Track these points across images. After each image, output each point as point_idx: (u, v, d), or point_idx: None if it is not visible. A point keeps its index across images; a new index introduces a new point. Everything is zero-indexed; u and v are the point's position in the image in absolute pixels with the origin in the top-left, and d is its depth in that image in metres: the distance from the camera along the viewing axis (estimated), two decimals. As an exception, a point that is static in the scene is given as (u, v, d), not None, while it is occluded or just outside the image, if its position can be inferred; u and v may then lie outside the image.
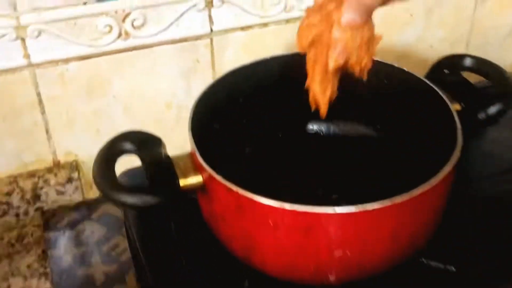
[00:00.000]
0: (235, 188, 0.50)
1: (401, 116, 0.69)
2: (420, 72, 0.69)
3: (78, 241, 0.79)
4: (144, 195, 0.52)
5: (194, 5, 0.75)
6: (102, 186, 0.52)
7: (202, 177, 0.55)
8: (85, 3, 0.70)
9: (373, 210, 0.48)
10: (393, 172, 0.65)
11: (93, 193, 0.87)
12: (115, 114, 0.80)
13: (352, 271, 0.54)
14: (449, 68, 0.68)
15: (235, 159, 0.68)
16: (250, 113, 0.70)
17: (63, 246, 0.79)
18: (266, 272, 0.56)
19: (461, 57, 0.71)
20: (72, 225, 0.82)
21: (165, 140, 0.82)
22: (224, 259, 0.59)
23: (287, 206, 0.49)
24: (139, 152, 0.56)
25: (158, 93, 0.80)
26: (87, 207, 0.84)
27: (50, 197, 0.82)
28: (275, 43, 0.84)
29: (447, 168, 0.50)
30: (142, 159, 0.55)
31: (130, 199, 0.51)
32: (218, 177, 0.52)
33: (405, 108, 0.68)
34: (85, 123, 0.79)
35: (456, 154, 0.51)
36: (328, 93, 0.55)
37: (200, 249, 0.61)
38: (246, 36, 0.82)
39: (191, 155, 0.57)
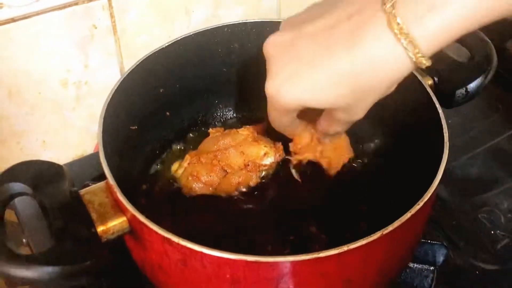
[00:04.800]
0: (176, 239, 0.36)
1: None
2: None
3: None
4: (49, 265, 0.35)
5: (84, -41, 0.63)
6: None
7: (127, 218, 0.40)
8: None
9: (362, 245, 0.37)
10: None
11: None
12: None
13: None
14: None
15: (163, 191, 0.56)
16: (173, 104, 0.58)
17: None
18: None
19: None
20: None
21: (66, 123, 0.72)
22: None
23: (251, 258, 0.36)
24: (35, 194, 0.39)
25: (48, 71, 0.68)
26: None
27: None
28: (185, -3, 0.71)
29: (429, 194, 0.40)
30: (40, 205, 0.39)
31: (28, 272, 0.34)
32: (151, 224, 0.37)
33: None
34: (-40, 118, 0.65)
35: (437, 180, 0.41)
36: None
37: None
38: (152, -9, 0.69)
39: (107, 187, 0.41)
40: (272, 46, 0.44)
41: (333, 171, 0.55)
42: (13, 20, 0.62)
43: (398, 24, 0.38)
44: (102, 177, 0.44)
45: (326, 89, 0.41)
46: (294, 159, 0.55)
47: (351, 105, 0.42)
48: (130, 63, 0.70)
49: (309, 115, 0.49)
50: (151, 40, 0.71)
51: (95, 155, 0.64)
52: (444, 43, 0.39)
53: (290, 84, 0.42)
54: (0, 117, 0.66)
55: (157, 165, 0.57)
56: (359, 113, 0.44)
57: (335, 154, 0.55)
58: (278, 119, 0.47)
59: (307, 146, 0.54)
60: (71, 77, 0.69)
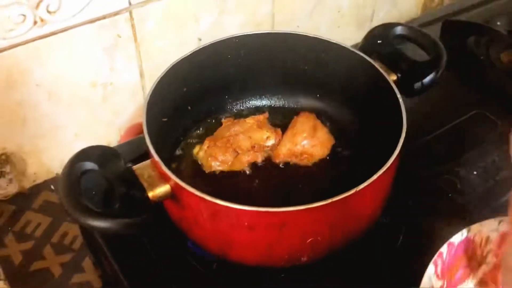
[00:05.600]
0: (209, 198, 0.51)
1: (342, 89, 0.72)
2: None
3: (24, 235, 0.76)
4: (119, 218, 0.50)
5: (110, -19, 0.73)
6: (73, 213, 0.50)
7: (170, 185, 0.54)
8: (-5, -5, 0.63)
9: (341, 199, 0.51)
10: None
11: (28, 181, 0.82)
12: (40, 102, 0.76)
13: (323, 251, 0.58)
14: (381, 38, 0.69)
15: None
16: (194, 100, 0.70)
17: (9, 243, 0.75)
18: (243, 263, 0.58)
19: (392, 26, 0.73)
20: (14, 219, 0.78)
21: (93, 117, 0.83)
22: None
23: (262, 209, 0.50)
24: (101, 170, 0.53)
25: (81, 74, 0.77)
26: (25, 198, 0.80)
27: (-16, 195, 0.79)
28: (196, 7, 0.82)
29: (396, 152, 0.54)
30: (106, 177, 0.53)
31: (104, 223, 0.49)
32: (190, 189, 0.51)
33: (344, 81, 0.70)
34: (9, 115, 0.75)
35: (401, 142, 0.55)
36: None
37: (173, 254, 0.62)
38: (166, 5, 0.79)
39: (152, 164, 0.55)
40: None
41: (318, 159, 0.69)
42: (53, 33, 0.70)
43: None
44: (135, 160, 0.57)
45: None
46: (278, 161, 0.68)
47: None
48: (148, 66, 0.82)
49: None
50: (166, 44, 0.82)
51: (124, 144, 0.77)
52: None
53: None
54: (42, 115, 0.77)
55: (181, 149, 0.71)
56: None
57: (316, 149, 0.69)
58: None
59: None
60: (99, 79, 0.79)
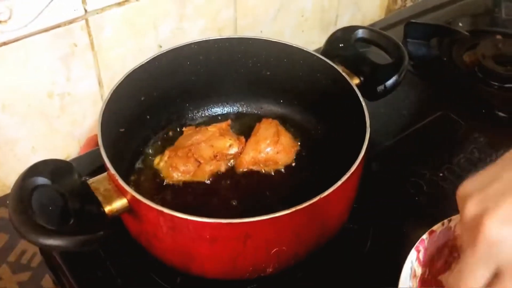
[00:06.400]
0: (167, 211, 0.49)
1: (305, 94, 0.71)
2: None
3: (-21, 254, 0.73)
4: (73, 236, 0.48)
5: (64, -11, 0.71)
6: (23, 231, 0.47)
7: (127, 199, 0.52)
8: None
9: (305, 207, 0.50)
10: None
11: (-15, 198, 0.79)
12: None
13: (288, 261, 0.56)
14: (343, 41, 0.69)
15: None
16: (152, 109, 0.69)
17: (-37, 262, 0.72)
18: (206, 277, 0.56)
19: (353, 29, 0.73)
20: (-31, 238, 0.75)
21: (51, 129, 0.81)
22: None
23: (224, 221, 0.48)
24: (54, 185, 0.51)
25: (37, 85, 0.75)
26: (-19, 215, 0.76)
27: None
28: (155, 14, 0.80)
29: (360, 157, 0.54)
30: (59, 193, 0.51)
31: (57, 241, 0.47)
32: (147, 202, 0.49)
33: (307, 85, 0.69)
34: (-40, 130, 0.72)
35: (365, 146, 0.54)
36: None
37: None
38: (124, 11, 0.77)
39: (109, 177, 0.53)
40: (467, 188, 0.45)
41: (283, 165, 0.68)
42: (4, 43, 0.68)
43: None
44: (93, 173, 0.55)
45: None
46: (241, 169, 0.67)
47: None
48: (107, 75, 0.80)
49: None
50: (125, 53, 0.80)
51: (83, 156, 0.75)
52: None
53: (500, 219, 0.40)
54: None
55: (141, 160, 0.69)
56: None
57: (280, 155, 0.68)
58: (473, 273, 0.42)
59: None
60: (56, 89, 0.77)
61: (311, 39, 1.03)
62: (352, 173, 0.52)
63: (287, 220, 0.50)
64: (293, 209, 0.49)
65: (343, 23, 1.08)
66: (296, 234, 0.53)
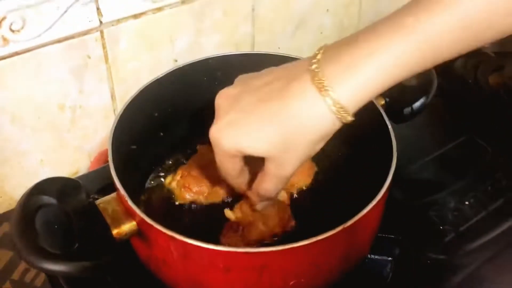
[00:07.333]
0: (179, 236, 0.46)
1: None
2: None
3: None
4: (77, 261, 0.44)
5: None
6: (25, 255, 0.44)
7: (136, 222, 0.49)
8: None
9: (327, 237, 0.46)
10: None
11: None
12: (2, 126, 0.72)
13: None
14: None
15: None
16: (166, 126, 0.66)
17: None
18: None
19: None
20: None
21: (61, 143, 0.78)
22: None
23: (240, 250, 0.45)
24: (60, 205, 0.48)
25: (48, 97, 0.73)
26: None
27: None
28: (172, 27, 0.78)
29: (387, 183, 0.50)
30: (65, 212, 0.48)
31: (61, 267, 0.44)
32: (158, 226, 0.46)
33: None
34: (-33, 143, 0.71)
35: (391, 174, 0.51)
36: None
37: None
38: (140, 24, 0.75)
39: (118, 197, 0.50)
40: (222, 98, 0.49)
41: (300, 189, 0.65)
42: (17, 53, 0.66)
43: (320, 81, 0.41)
44: (102, 191, 0.52)
45: (261, 136, 0.44)
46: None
47: (282, 157, 0.45)
48: (120, 88, 0.78)
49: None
50: (139, 66, 0.78)
51: (93, 172, 0.72)
52: (366, 99, 0.43)
53: (229, 130, 0.46)
54: (4, 139, 0.72)
55: (152, 179, 0.66)
56: (288, 168, 0.46)
57: (297, 177, 0.64)
58: (222, 166, 0.49)
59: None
60: (68, 102, 0.75)
61: (329, 57, 1.01)
62: (378, 201, 0.48)
63: (307, 251, 0.47)
64: (313, 239, 0.46)
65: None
66: (316, 266, 0.50)
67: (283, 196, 0.62)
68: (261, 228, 0.57)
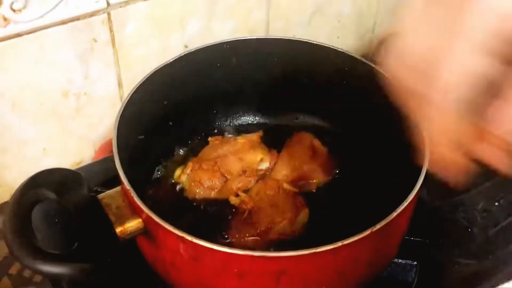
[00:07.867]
0: (189, 237, 0.41)
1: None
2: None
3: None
4: (77, 262, 0.40)
5: (85, -23, 0.65)
6: (19, 255, 0.39)
7: (142, 219, 0.45)
8: None
9: (353, 241, 0.42)
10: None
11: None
12: (2, 112, 0.68)
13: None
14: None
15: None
16: (176, 114, 0.62)
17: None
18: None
19: None
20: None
21: (64, 131, 0.74)
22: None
23: (257, 254, 0.41)
24: (58, 199, 0.43)
25: (51, 82, 0.70)
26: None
27: None
28: (183, 10, 0.74)
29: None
30: (65, 208, 0.43)
31: (59, 269, 0.39)
32: (166, 225, 0.42)
33: (353, 97, 0.62)
34: (-34, 129, 0.68)
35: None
36: None
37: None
38: (149, 6, 0.71)
39: (123, 192, 0.46)
40: None
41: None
42: (18, 35, 0.63)
43: None
44: (105, 184, 0.48)
45: None
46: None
47: None
48: (127, 74, 0.74)
49: None
50: (148, 51, 0.74)
51: (97, 163, 0.68)
52: None
53: None
54: (3, 127, 0.68)
55: (159, 171, 0.62)
56: None
57: (316, 174, 0.61)
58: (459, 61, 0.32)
59: None
60: (72, 88, 0.71)
61: (346, 46, 0.97)
62: (409, 202, 0.43)
63: (331, 256, 0.43)
64: (338, 244, 0.41)
65: (381, 31, 1.02)
66: (340, 273, 0.46)
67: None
68: (269, 211, 0.54)
